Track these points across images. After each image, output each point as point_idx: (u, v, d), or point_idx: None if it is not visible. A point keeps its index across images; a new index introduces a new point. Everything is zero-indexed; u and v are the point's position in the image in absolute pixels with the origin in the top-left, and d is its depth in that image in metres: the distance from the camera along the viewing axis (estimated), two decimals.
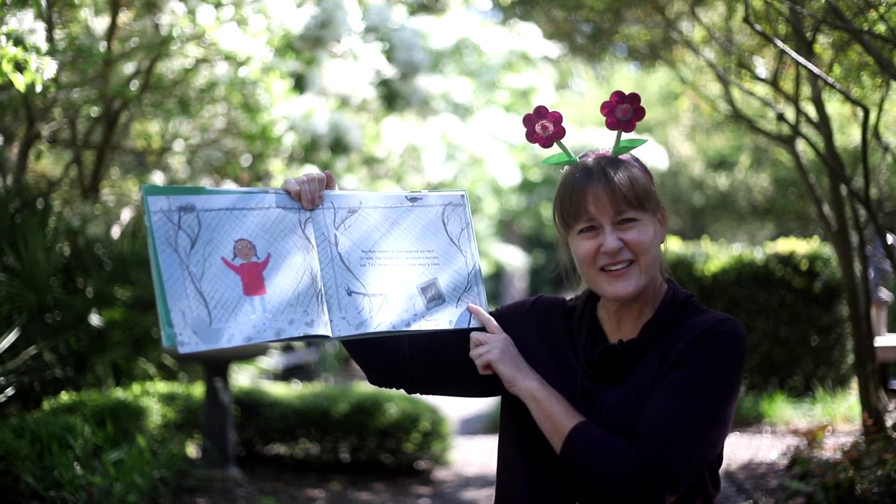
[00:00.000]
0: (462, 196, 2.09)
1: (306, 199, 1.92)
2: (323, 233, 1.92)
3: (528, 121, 2.01)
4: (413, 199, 2.03)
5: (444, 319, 1.98)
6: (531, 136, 2.00)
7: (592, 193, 1.90)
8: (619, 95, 1.95)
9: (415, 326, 1.95)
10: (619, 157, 1.95)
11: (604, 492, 1.82)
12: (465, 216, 2.07)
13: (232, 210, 1.83)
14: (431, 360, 2.04)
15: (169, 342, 1.70)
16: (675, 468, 1.79)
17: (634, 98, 1.94)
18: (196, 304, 1.73)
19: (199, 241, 1.78)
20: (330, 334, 1.86)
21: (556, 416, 1.87)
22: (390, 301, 1.94)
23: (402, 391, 2.14)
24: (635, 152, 2.00)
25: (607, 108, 1.96)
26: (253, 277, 1.81)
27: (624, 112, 1.95)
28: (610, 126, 1.95)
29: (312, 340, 1.86)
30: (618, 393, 1.91)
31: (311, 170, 8.90)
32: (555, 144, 2.01)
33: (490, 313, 2.07)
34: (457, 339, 2.01)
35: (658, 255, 1.95)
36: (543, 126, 2.00)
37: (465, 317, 2.01)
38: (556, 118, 1.99)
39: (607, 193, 1.89)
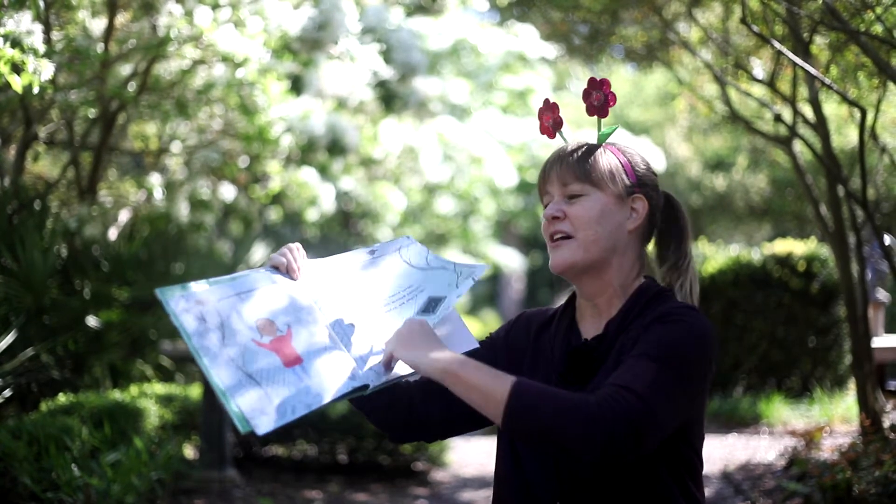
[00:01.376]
0: (408, 238, 2.15)
1: (293, 270, 1.97)
2: (320, 297, 1.97)
3: (541, 114, 2.07)
4: (372, 252, 2.10)
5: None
6: (542, 129, 2.07)
7: (550, 168, 1.98)
8: (591, 83, 2.01)
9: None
10: (602, 144, 1.99)
11: (566, 446, 1.71)
12: (421, 247, 2.12)
13: (240, 294, 1.87)
14: (445, 408, 2.00)
15: (245, 429, 1.72)
16: (636, 413, 1.70)
17: (604, 83, 1.99)
18: (251, 386, 1.76)
19: (226, 331, 1.81)
20: (370, 384, 1.88)
21: (483, 384, 1.74)
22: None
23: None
24: (638, 146, 2.02)
25: (584, 98, 2.02)
26: (286, 350, 1.84)
27: (597, 98, 1.99)
28: (588, 112, 2.01)
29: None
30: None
31: (309, 172, 8.93)
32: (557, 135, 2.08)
33: (482, 341, 2.09)
34: None
35: (610, 237, 1.93)
36: (548, 118, 2.05)
37: (458, 345, 1.99)
38: (553, 108, 2.06)
39: (557, 166, 1.96)
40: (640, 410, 1.71)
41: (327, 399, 1.81)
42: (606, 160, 1.96)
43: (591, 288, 1.97)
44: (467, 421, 2.02)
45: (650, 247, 2.07)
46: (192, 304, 1.80)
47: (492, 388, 1.74)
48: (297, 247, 2.01)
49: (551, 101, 2.06)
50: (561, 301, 2.11)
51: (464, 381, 1.75)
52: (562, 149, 2.00)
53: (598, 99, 1.99)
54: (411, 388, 2.03)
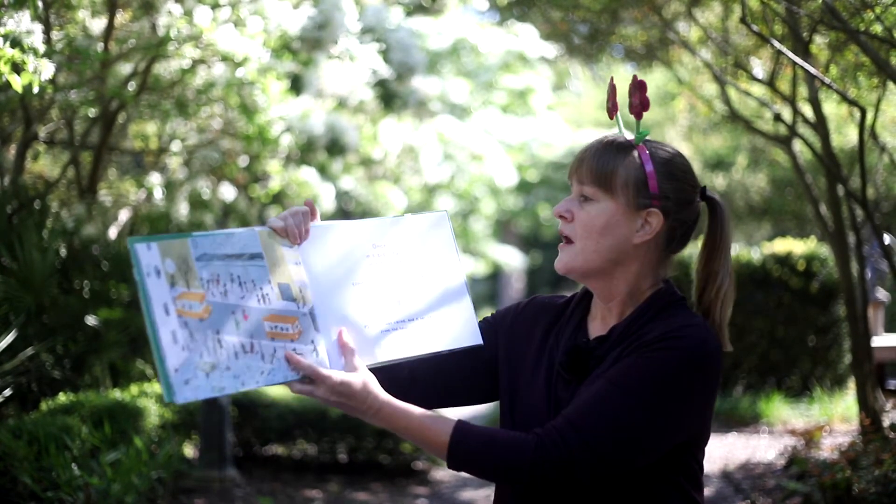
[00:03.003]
0: (442, 213, 2.07)
1: (292, 235, 1.87)
2: (312, 267, 1.88)
3: (610, 89, 2.01)
4: (393, 222, 2.01)
5: (443, 342, 1.95)
6: (609, 98, 2.01)
7: (579, 158, 1.93)
8: (635, 81, 1.95)
9: (414, 353, 1.93)
10: (636, 146, 1.91)
11: (507, 483, 1.84)
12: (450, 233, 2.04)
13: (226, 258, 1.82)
14: (431, 378, 2.02)
15: (168, 394, 1.69)
16: (574, 453, 1.75)
17: (642, 86, 1.94)
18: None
19: (189, 279, 1.77)
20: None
21: (422, 440, 1.83)
22: (387, 330, 1.91)
23: None
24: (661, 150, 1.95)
25: (629, 94, 1.96)
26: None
27: (635, 98, 1.94)
28: (629, 111, 1.96)
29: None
30: (578, 393, 1.87)
31: (309, 171, 8.93)
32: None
33: (485, 318, 2.08)
34: (455, 353, 1.99)
35: (611, 248, 1.88)
36: (610, 98, 2.00)
37: (462, 337, 1.97)
38: (614, 90, 1.99)
39: (579, 162, 1.92)
40: (576, 450, 1.76)
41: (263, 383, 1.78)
42: (629, 167, 1.88)
43: (599, 291, 1.94)
44: (456, 399, 2.07)
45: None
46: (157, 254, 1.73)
47: (431, 440, 1.82)
48: (304, 211, 1.89)
49: (615, 79, 2.01)
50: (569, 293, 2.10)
51: (406, 436, 1.85)
52: (597, 141, 1.93)
53: (636, 99, 1.94)
54: (405, 367, 2.00)
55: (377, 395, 1.82)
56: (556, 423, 1.79)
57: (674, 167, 1.92)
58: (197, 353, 1.70)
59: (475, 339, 1.98)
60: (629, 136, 1.94)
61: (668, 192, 1.90)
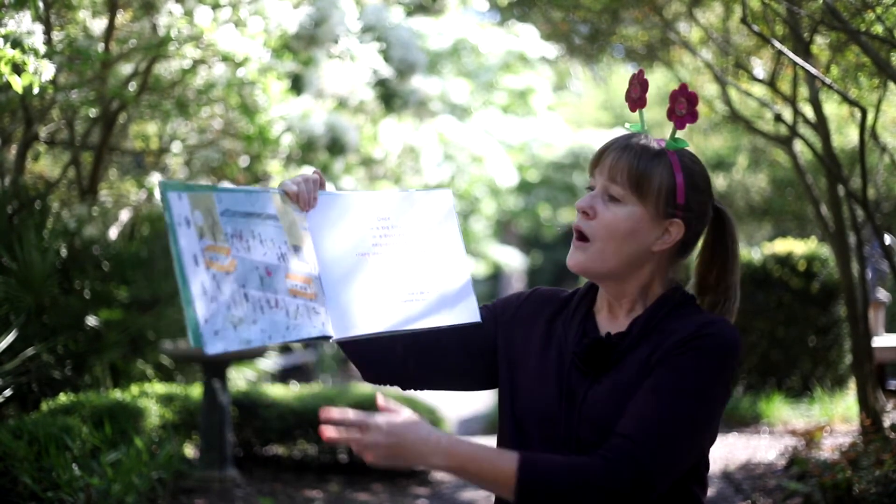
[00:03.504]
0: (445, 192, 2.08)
1: (304, 201, 1.89)
2: (319, 234, 1.90)
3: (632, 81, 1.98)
4: (405, 195, 2.02)
5: (441, 318, 1.97)
6: (633, 92, 1.98)
7: (607, 152, 1.90)
8: (682, 88, 1.92)
9: (413, 326, 1.94)
10: (668, 151, 1.90)
11: None
12: (453, 214, 2.05)
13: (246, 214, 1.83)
14: (425, 357, 2.01)
15: (196, 340, 1.67)
16: (644, 471, 1.75)
17: (692, 99, 1.91)
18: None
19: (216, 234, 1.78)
20: (333, 335, 1.85)
21: (487, 473, 1.77)
22: (388, 301, 1.93)
23: (396, 388, 2.09)
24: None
25: (671, 98, 1.93)
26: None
27: (681, 107, 1.91)
28: (668, 115, 1.93)
29: (311, 342, 1.86)
30: (601, 387, 1.87)
31: (309, 171, 8.94)
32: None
33: (485, 305, 2.07)
34: (451, 335, 2.00)
35: (631, 253, 1.88)
36: (636, 90, 1.96)
37: (460, 313, 1.98)
38: (643, 84, 1.97)
39: (614, 154, 1.88)
40: (648, 465, 1.76)
41: (282, 339, 1.78)
42: (662, 174, 1.87)
43: (610, 290, 1.94)
44: (447, 382, 2.05)
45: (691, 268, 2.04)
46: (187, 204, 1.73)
47: (497, 473, 1.77)
48: (314, 178, 1.93)
49: (644, 74, 1.98)
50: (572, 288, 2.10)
51: (468, 475, 1.78)
52: (629, 138, 1.91)
53: (682, 108, 1.90)
54: (398, 346, 2.00)
55: (435, 428, 1.77)
56: (617, 443, 1.78)
57: (699, 179, 1.92)
58: (225, 305, 1.70)
59: (474, 316, 1.99)
60: (648, 136, 1.93)
61: (692, 204, 1.90)
